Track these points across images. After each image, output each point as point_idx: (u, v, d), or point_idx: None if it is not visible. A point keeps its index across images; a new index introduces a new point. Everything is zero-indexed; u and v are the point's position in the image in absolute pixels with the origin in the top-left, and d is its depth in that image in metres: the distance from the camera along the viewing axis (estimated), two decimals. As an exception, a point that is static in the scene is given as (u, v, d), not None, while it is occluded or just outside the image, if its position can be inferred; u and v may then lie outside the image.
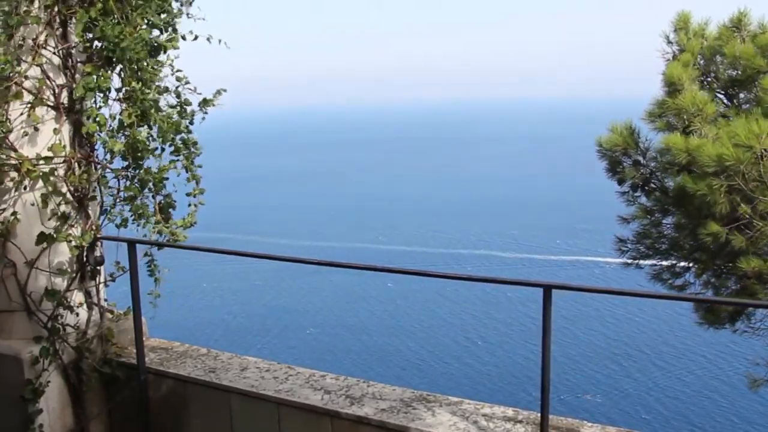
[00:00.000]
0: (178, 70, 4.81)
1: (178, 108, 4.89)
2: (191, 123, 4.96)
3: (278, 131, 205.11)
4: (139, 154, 4.77)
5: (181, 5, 4.83)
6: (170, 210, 4.99)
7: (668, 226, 8.74)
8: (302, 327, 41.02)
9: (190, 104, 4.90)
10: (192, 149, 4.98)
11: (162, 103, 4.79)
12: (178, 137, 4.88)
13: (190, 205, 5.08)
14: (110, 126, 4.70)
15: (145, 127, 4.74)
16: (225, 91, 4.99)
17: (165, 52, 4.73)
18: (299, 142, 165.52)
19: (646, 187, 8.67)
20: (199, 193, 5.06)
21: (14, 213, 4.46)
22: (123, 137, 4.72)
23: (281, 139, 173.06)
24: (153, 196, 4.93)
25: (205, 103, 4.93)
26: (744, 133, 6.73)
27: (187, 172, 4.98)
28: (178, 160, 4.94)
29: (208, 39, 4.87)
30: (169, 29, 4.77)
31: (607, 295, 40.88)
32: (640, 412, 29.52)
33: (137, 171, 4.84)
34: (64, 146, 4.54)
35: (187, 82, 4.85)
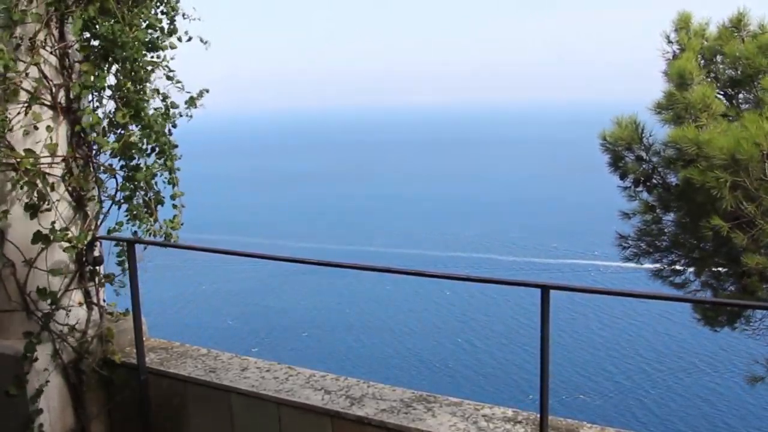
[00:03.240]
0: (171, 71, 4.81)
1: (163, 110, 4.90)
2: (174, 126, 4.97)
3: (255, 134, 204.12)
4: (131, 154, 4.78)
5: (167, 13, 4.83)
6: (158, 206, 5.00)
7: (669, 223, 8.75)
8: (300, 329, 41.03)
9: (177, 107, 4.91)
10: (172, 152, 4.98)
11: (150, 105, 4.79)
12: (163, 139, 4.88)
13: (175, 206, 5.08)
14: (105, 125, 4.70)
15: (138, 126, 4.74)
16: (207, 91, 4.99)
17: (162, 51, 4.72)
18: (285, 144, 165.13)
19: (648, 183, 8.68)
20: (180, 195, 5.06)
21: (6, 212, 4.45)
22: (114, 136, 4.72)
23: (264, 141, 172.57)
24: (145, 195, 4.94)
25: (191, 101, 4.93)
26: (755, 128, 6.74)
27: (170, 173, 4.99)
28: (163, 160, 4.95)
29: (201, 40, 4.87)
30: (166, 31, 4.77)
31: (604, 296, 41.16)
32: (638, 413, 29.53)
33: (131, 171, 4.84)
34: (63, 145, 4.54)
35: (178, 82, 4.85)
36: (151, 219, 4.93)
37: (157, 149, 4.89)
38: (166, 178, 4.99)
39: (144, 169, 4.86)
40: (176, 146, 4.99)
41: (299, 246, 58.86)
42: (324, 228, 68.52)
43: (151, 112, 4.80)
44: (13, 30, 4.22)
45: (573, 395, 30.71)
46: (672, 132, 7.87)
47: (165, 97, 4.88)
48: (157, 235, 4.94)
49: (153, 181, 4.92)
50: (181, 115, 4.97)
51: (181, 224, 5.08)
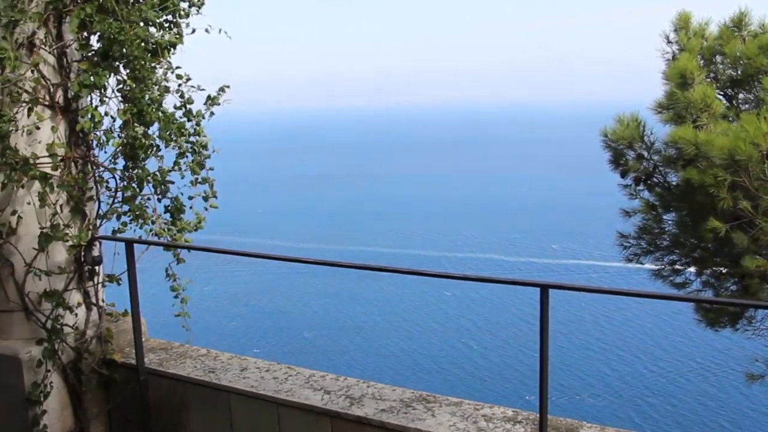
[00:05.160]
0: (177, 67, 4.77)
1: (183, 109, 4.85)
2: (198, 124, 4.92)
3: (255, 135, 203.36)
4: (139, 154, 4.75)
5: (190, 6, 4.80)
6: (180, 214, 4.96)
7: (670, 222, 8.74)
8: (301, 329, 41.02)
9: (192, 102, 4.86)
10: (202, 152, 4.93)
11: (166, 105, 4.75)
12: (182, 139, 4.83)
13: (191, 207, 5.04)
14: (107, 125, 4.68)
15: (142, 126, 4.70)
16: (228, 87, 4.95)
17: (167, 52, 4.68)
18: (285, 145, 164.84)
19: (649, 182, 8.68)
20: (212, 196, 5.01)
21: (12, 212, 4.44)
22: (119, 136, 4.70)
23: (264, 143, 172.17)
24: (159, 199, 4.91)
25: (211, 101, 4.88)
26: (753, 129, 6.72)
27: (192, 174, 4.94)
28: (182, 162, 4.90)
29: (207, 30, 4.81)
30: (174, 28, 4.74)
31: (604, 297, 41.14)
32: (638, 413, 29.51)
33: (135, 171, 4.82)
34: (62, 145, 4.53)
35: (189, 79, 4.80)
36: (153, 219, 4.91)
37: (177, 150, 4.86)
38: (188, 179, 4.94)
39: (156, 170, 4.83)
40: (205, 146, 4.93)
41: (300, 246, 58.88)
42: (324, 229, 68.52)
43: (170, 111, 4.77)
44: (13, 30, 4.22)
45: (572, 396, 30.70)
46: (672, 132, 7.87)
47: (182, 95, 4.83)
48: (162, 236, 4.92)
49: (165, 186, 4.88)
50: (204, 116, 4.92)
51: (201, 227, 5.05)
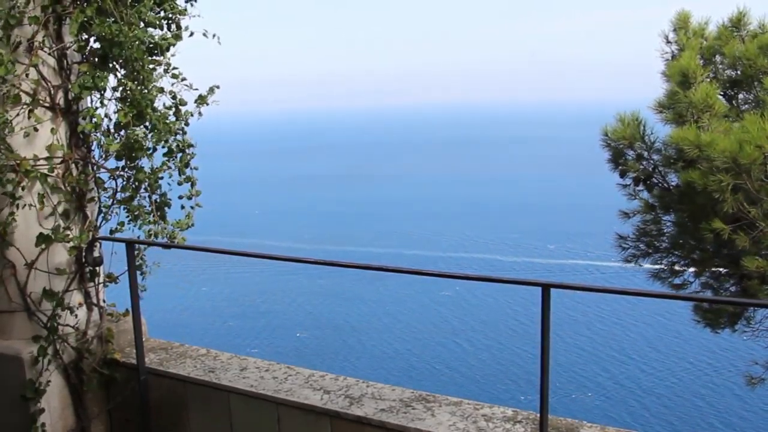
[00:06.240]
0: (174, 68, 4.78)
1: (174, 109, 4.87)
2: (186, 124, 4.94)
3: (254, 135, 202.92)
4: (134, 155, 4.76)
5: (186, 1, 4.81)
6: (165, 208, 4.97)
7: (669, 223, 8.71)
8: (295, 330, 41.02)
9: (185, 104, 4.87)
10: (187, 151, 4.96)
11: (157, 104, 4.76)
12: (172, 139, 4.85)
13: (183, 207, 5.05)
14: (106, 126, 4.69)
15: (141, 127, 4.71)
16: (218, 87, 4.96)
17: (165, 51, 4.69)
18: (284, 146, 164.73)
19: (648, 182, 8.65)
20: (195, 195, 5.03)
21: (12, 214, 4.45)
22: (119, 137, 4.71)
23: (263, 143, 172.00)
24: (149, 196, 4.92)
25: (201, 99, 4.89)
26: (755, 130, 6.70)
27: (180, 174, 4.96)
28: (171, 161, 4.92)
29: (204, 34, 4.82)
30: (173, 26, 4.75)
31: (602, 296, 41.15)
32: (627, 415, 29.51)
33: (133, 171, 4.83)
34: (62, 146, 4.54)
35: (184, 79, 4.81)
36: (150, 219, 4.91)
37: (165, 149, 4.87)
38: (176, 178, 4.96)
39: (149, 169, 4.85)
40: (192, 145, 4.96)
41: (299, 247, 58.88)
42: (324, 229, 68.51)
43: (160, 112, 4.77)
44: (10, 32, 4.22)
45: (565, 396, 30.71)
46: (673, 132, 7.83)
47: (174, 96, 4.84)
48: (160, 236, 4.93)
49: (157, 183, 4.90)
50: (192, 114, 4.93)
51: (191, 224, 5.05)
